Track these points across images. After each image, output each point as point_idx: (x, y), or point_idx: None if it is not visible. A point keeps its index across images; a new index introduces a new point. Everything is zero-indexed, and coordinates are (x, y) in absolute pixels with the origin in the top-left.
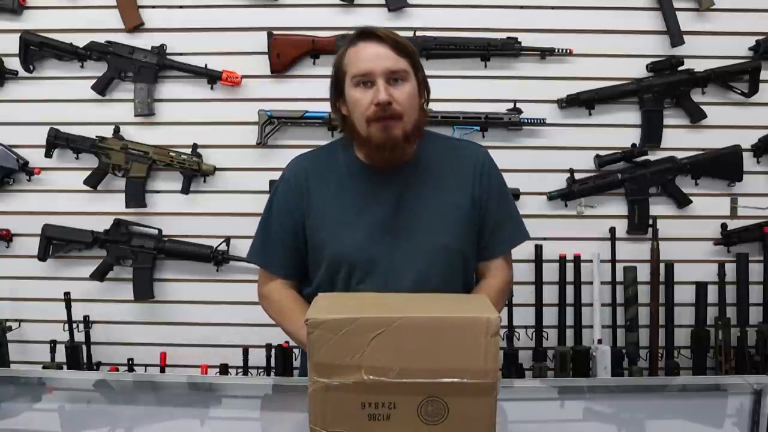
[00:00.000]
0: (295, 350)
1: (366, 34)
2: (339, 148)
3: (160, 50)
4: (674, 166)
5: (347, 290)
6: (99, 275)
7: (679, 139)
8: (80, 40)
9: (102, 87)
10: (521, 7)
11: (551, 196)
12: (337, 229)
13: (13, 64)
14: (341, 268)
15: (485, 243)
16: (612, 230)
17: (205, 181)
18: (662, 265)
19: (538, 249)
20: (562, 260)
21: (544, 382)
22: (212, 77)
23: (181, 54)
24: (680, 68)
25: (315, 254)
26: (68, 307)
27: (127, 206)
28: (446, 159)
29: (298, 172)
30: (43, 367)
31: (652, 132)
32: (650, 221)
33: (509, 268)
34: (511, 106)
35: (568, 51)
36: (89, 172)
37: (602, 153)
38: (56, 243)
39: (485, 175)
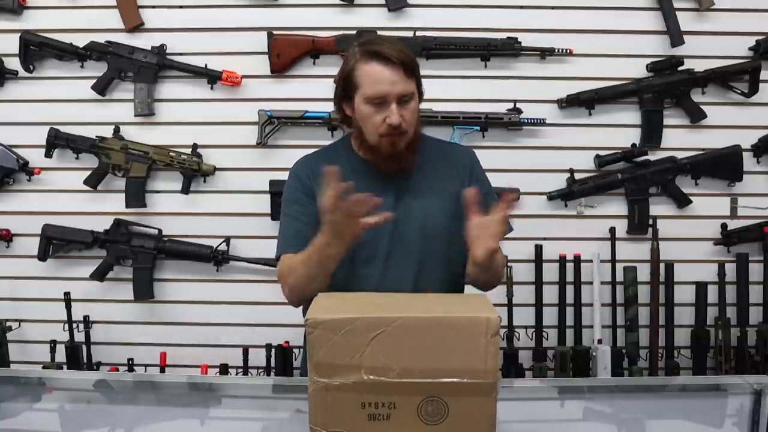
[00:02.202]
0: (295, 350)
1: (379, 55)
2: (340, 147)
3: (160, 50)
4: (674, 166)
5: (351, 274)
6: (99, 275)
7: (679, 139)
8: (80, 40)
9: (102, 87)
10: (521, 7)
11: (551, 196)
12: None
13: (13, 64)
14: (345, 253)
15: None
16: (612, 230)
17: (205, 181)
18: (662, 265)
19: (538, 249)
20: (562, 260)
21: (544, 382)
22: (212, 77)
23: (181, 54)
24: (680, 68)
25: None
26: (68, 307)
27: (127, 206)
28: (440, 156)
29: (305, 169)
30: (43, 367)
31: (652, 132)
32: (650, 221)
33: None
34: (511, 106)
35: (568, 51)
36: (89, 172)
37: (602, 153)
38: (56, 243)
39: (475, 172)
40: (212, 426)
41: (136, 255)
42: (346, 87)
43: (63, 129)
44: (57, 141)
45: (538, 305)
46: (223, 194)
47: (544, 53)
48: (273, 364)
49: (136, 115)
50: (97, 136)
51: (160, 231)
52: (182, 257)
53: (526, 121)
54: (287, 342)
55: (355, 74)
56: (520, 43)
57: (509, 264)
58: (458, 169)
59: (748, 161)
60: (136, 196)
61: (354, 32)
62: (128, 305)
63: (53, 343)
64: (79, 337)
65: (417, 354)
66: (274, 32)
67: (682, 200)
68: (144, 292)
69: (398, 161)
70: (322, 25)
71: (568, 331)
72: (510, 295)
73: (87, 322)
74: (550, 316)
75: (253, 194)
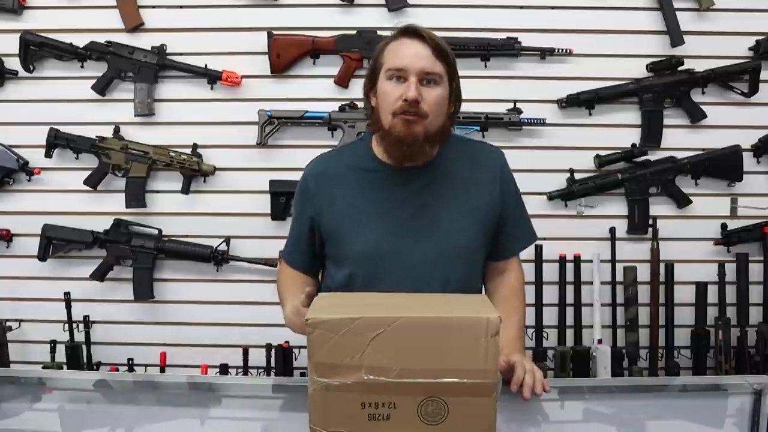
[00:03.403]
0: (295, 350)
1: (410, 31)
2: (363, 147)
3: (160, 50)
4: (674, 166)
5: (368, 288)
6: (99, 275)
7: (679, 139)
8: (80, 40)
9: (102, 87)
10: (521, 7)
11: (551, 196)
12: (358, 227)
13: (13, 64)
14: (362, 266)
15: (503, 242)
16: (612, 230)
17: (205, 181)
18: (662, 265)
19: (538, 249)
20: (562, 260)
21: None
22: (212, 77)
23: (181, 54)
24: (680, 68)
25: (335, 251)
26: (68, 307)
27: (127, 206)
28: (465, 162)
29: (315, 174)
30: (43, 367)
31: (652, 132)
32: (650, 221)
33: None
34: (511, 106)
35: (568, 51)
36: (89, 172)
37: (602, 153)
38: (56, 243)
39: (505, 182)
40: (212, 426)
41: (136, 255)
42: (373, 72)
43: (63, 129)
44: (57, 141)
45: (538, 305)
46: (223, 194)
47: (544, 53)
48: (273, 364)
49: (136, 115)
50: (97, 136)
51: (160, 231)
52: (182, 257)
53: (526, 121)
54: (287, 342)
55: (382, 55)
56: (520, 43)
57: None
58: (486, 175)
59: (748, 161)
60: (136, 196)
61: (354, 32)
62: (128, 305)
63: (53, 343)
64: (79, 337)
65: (417, 354)
66: (274, 32)
67: (682, 200)
68: (144, 292)
69: (410, 146)
70: (322, 25)
71: (568, 331)
72: None
73: (87, 322)
74: (550, 316)
75: (253, 194)
